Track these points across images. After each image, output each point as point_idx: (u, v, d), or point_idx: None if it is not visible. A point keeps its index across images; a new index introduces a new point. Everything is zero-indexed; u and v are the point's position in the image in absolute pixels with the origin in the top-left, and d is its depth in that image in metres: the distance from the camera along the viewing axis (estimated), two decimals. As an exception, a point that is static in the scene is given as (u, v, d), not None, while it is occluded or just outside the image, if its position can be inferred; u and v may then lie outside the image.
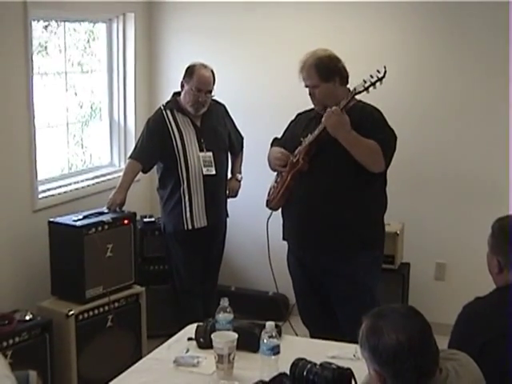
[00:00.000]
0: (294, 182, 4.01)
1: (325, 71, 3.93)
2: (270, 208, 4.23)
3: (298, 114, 4.28)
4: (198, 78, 4.73)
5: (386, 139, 3.86)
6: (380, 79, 3.74)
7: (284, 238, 4.21)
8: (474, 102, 5.23)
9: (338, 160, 3.84)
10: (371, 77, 3.75)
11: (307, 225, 4.01)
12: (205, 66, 4.78)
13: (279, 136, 4.38)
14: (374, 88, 3.78)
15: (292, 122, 4.32)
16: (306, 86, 4.02)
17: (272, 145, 4.36)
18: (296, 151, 4.03)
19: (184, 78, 4.79)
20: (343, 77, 3.97)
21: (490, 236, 2.85)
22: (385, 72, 3.74)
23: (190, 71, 4.76)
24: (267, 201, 4.25)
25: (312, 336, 4.18)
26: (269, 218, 4.24)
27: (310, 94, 4.04)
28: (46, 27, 5.17)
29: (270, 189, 4.26)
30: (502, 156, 5.10)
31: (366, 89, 3.78)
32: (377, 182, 3.95)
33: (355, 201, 3.91)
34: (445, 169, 5.34)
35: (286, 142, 4.24)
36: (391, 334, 2.06)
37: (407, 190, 5.35)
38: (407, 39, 5.33)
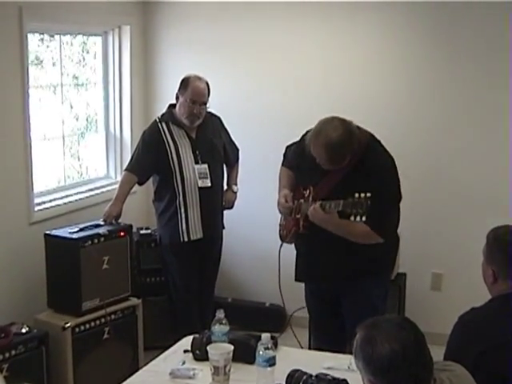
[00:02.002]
0: (298, 232, 4.00)
1: (337, 160, 3.68)
2: (281, 240, 4.18)
3: (288, 146, 4.18)
4: (192, 89, 4.74)
5: (381, 215, 3.68)
6: (364, 213, 3.54)
7: (296, 279, 4.15)
8: (472, 112, 5.24)
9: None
10: (359, 204, 3.54)
11: (313, 265, 3.99)
12: (199, 78, 4.79)
13: (290, 142, 4.25)
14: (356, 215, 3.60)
15: (303, 136, 3.99)
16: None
17: (284, 156, 4.26)
18: (299, 203, 3.96)
19: (179, 90, 4.80)
20: (354, 149, 3.72)
21: (485, 245, 2.85)
22: (367, 206, 3.53)
23: (185, 83, 4.78)
24: (280, 236, 4.19)
25: (314, 344, 4.17)
26: (281, 246, 4.16)
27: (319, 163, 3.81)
28: (41, 40, 5.18)
29: (280, 225, 4.21)
30: (500, 166, 5.11)
31: (352, 211, 3.58)
32: None
33: (359, 245, 3.81)
34: (441, 178, 5.35)
35: (293, 167, 4.12)
36: (385, 343, 2.06)
37: (403, 200, 5.34)
38: (406, 42, 5.34)
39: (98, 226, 4.70)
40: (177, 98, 4.83)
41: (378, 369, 2.07)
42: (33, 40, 5.05)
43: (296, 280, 4.12)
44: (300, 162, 4.03)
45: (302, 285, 4.21)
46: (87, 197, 5.42)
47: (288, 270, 4.18)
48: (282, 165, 4.25)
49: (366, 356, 2.09)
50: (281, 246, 4.17)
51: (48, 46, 5.26)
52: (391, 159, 3.85)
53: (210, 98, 4.82)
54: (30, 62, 4.89)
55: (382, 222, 3.75)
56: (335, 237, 3.80)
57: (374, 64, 5.35)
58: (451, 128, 5.30)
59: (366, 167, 3.73)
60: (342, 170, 3.72)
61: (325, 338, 4.10)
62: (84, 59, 5.66)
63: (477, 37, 5.12)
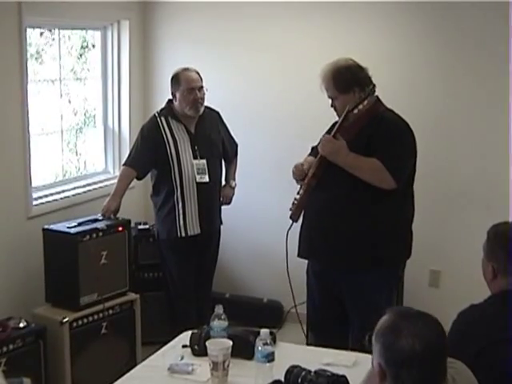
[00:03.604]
0: (308, 194, 3.98)
1: (342, 83, 3.86)
2: (290, 218, 4.13)
3: (334, 124, 4.12)
4: (185, 79, 4.76)
5: (392, 155, 3.76)
6: (366, 97, 3.82)
7: (299, 255, 4.13)
8: (471, 108, 5.22)
9: (346, 175, 3.79)
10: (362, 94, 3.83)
11: (315, 237, 3.98)
12: (187, 68, 4.83)
13: (316, 144, 4.26)
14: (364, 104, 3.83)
15: (327, 132, 4.15)
16: (329, 97, 3.96)
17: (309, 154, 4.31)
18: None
19: (173, 88, 4.82)
20: (363, 87, 3.87)
21: (486, 242, 2.86)
22: (373, 90, 3.82)
23: (176, 78, 4.81)
24: (290, 215, 4.15)
25: (315, 341, 4.16)
26: (289, 229, 4.13)
27: (332, 106, 3.97)
28: (41, 34, 5.17)
29: (292, 203, 4.20)
30: (499, 163, 5.09)
31: (356, 107, 3.81)
32: (389, 196, 3.81)
33: (362, 216, 3.83)
34: (440, 175, 5.34)
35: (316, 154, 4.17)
36: (409, 338, 2.04)
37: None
38: (406, 41, 5.33)
39: (96, 220, 4.70)
40: (174, 96, 4.83)
41: (392, 359, 2.06)
42: (32, 33, 5.05)
43: (298, 256, 4.10)
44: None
45: (301, 280, 4.21)
46: (85, 191, 5.42)
47: (285, 266, 4.19)
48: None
49: (386, 342, 2.08)
50: (289, 228, 4.11)
51: (48, 42, 5.26)
52: (406, 122, 3.93)
53: (208, 93, 4.83)
54: (29, 55, 4.89)
55: (395, 162, 3.77)
56: (342, 209, 3.84)
57: (372, 62, 5.31)
58: (450, 125, 5.28)
59: (382, 125, 3.83)
60: (357, 126, 3.84)
61: (325, 335, 4.08)
62: (85, 53, 5.65)
63: (477, 32, 5.11)
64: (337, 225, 3.88)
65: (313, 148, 4.29)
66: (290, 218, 4.11)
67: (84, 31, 5.63)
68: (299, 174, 4.05)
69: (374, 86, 3.87)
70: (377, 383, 2.13)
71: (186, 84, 4.75)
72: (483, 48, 5.10)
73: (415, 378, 2.05)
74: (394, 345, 2.05)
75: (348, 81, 3.87)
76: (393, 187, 3.76)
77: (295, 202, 4.07)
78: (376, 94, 3.95)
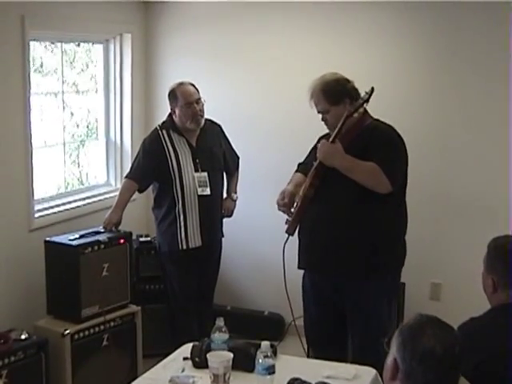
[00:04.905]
0: (304, 207, 3.99)
1: (333, 95, 3.91)
2: (286, 232, 4.15)
3: (320, 138, 4.17)
4: (181, 94, 4.78)
5: (388, 159, 3.81)
6: (367, 100, 3.85)
7: (299, 267, 4.14)
8: (471, 120, 5.22)
9: (343, 184, 3.83)
10: (360, 99, 3.86)
11: (313, 247, 4.00)
12: (182, 83, 4.85)
13: (302, 160, 4.34)
14: (363, 107, 3.89)
15: (314, 147, 4.20)
16: (319, 112, 4.00)
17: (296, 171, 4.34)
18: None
19: (171, 104, 4.84)
20: (353, 98, 3.92)
21: (486, 255, 2.86)
22: (371, 93, 3.83)
23: (173, 94, 4.83)
24: (286, 229, 4.18)
25: (315, 355, 4.16)
26: (285, 243, 4.14)
27: (322, 120, 4.01)
28: (45, 47, 5.20)
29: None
30: (499, 176, 5.09)
31: (355, 111, 3.84)
32: (385, 205, 3.86)
33: (360, 225, 3.86)
34: (440, 189, 5.34)
35: (306, 166, 4.20)
36: (431, 339, 2.06)
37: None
38: (405, 45, 5.35)
39: (97, 233, 4.71)
40: (173, 111, 4.85)
41: (410, 354, 2.07)
42: (38, 47, 5.08)
43: (299, 267, 4.11)
44: (314, 152, 4.09)
45: (301, 293, 4.21)
46: (87, 204, 5.43)
47: (287, 279, 4.19)
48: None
49: (408, 338, 2.09)
50: (285, 242, 4.12)
51: (52, 52, 5.28)
52: (397, 131, 4.00)
53: (208, 105, 4.86)
54: (33, 69, 4.91)
55: (391, 166, 3.82)
56: (340, 219, 3.87)
57: (372, 70, 5.33)
58: (449, 137, 5.28)
59: (376, 132, 3.92)
60: (351, 134, 3.90)
61: (324, 350, 4.08)
62: (87, 67, 5.68)
63: (477, 38, 5.11)
64: (335, 234, 3.90)
65: (299, 164, 4.34)
66: (286, 232, 4.13)
67: (88, 45, 5.66)
68: (284, 209, 4.10)
69: (373, 89, 3.85)
70: (387, 380, 2.14)
71: (184, 99, 4.77)
72: (480, 56, 5.11)
73: (428, 379, 2.06)
74: (415, 341, 2.07)
75: (338, 92, 3.92)
76: (389, 190, 3.80)
77: (291, 214, 4.09)
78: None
